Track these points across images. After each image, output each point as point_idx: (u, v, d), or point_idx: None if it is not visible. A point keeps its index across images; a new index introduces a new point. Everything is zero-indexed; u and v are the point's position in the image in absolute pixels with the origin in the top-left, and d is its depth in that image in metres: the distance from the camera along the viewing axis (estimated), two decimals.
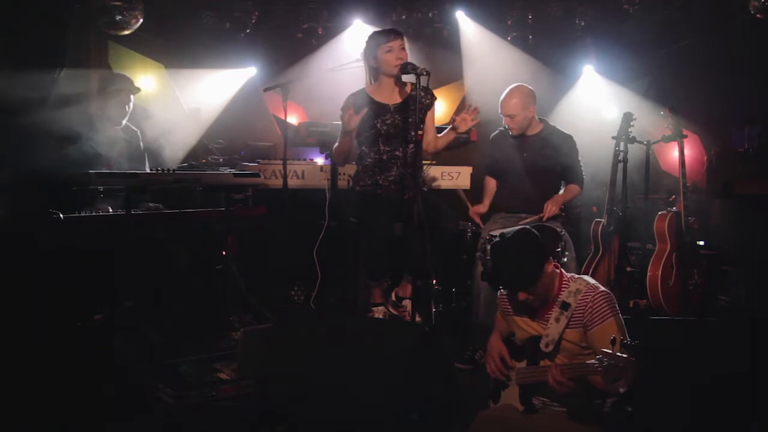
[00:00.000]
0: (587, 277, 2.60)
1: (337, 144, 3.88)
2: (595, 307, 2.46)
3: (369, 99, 3.82)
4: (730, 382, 2.92)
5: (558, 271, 2.59)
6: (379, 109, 3.81)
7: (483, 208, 4.47)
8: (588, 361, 2.30)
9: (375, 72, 3.82)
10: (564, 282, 2.57)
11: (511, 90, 4.20)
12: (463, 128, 3.81)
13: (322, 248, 4.37)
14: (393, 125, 3.81)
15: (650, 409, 2.75)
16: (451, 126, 3.86)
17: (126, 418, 2.97)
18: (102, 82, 4.28)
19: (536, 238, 2.54)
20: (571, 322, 2.49)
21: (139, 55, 5.42)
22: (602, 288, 2.53)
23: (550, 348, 2.50)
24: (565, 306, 2.50)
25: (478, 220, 4.42)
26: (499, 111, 4.22)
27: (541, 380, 2.46)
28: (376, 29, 3.92)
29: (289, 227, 4.22)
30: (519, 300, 2.51)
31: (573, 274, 2.64)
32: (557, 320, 2.50)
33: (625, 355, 2.12)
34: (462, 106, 6.35)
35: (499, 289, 2.78)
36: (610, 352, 2.15)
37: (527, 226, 2.63)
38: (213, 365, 3.52)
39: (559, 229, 3.95)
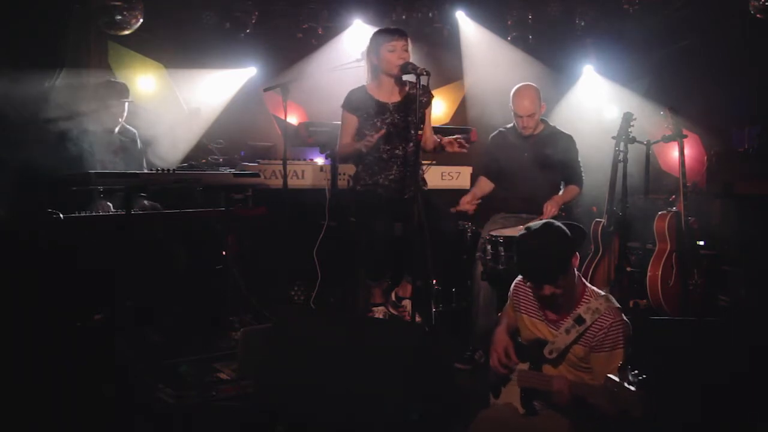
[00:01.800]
0: (612, 298, 2.53)
1: (339, 145, 3.87)
2: (610, 333, 2.42)
3: (369, 97, 3.83)
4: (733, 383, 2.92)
5: (582, 279, 2.57)
6: (379, 107, 3.82)
7: (470, 197, 4.18)
8: (595, 384, 2.30)
9: (376, 70, 3.82)
10: (587, 294, 2.54)
11: (522, 91, 4.16)
12: (448, 150, 3.82)
13: (322, 248, 4.36)
14: (392, 124, 3.81)
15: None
16: (441, 141, 3.87)
17: (126, 418, 2.97)
18: (97, 90, 4.26)
19: (563, 230, 2.51)
20: (581, 339, 2.47)
21: (139, 55, 5.43)
22: (623, 317, 2.47)
23: (554, 356, 2.49)
24: (580, 320, 2.47)
25: (465, 206, 4.10)
26: (515, 112, 4.16)
27: (543, 389, 2.45)
28: (378, 28, 3.92)
29: (289, 227, 4.22)
30: (545, 294, 2.45)
31: (596, 288, 2.59)
32: (567, 332, 2.48)
33: (633, 389, 2.09)
34: (462, 107, 6.35)
35: (513, 283, 2.77)
36: (618, 381, 2.12)
37: (552, 220, 2.60)
38: (213, 365, 3.51)
39: None
